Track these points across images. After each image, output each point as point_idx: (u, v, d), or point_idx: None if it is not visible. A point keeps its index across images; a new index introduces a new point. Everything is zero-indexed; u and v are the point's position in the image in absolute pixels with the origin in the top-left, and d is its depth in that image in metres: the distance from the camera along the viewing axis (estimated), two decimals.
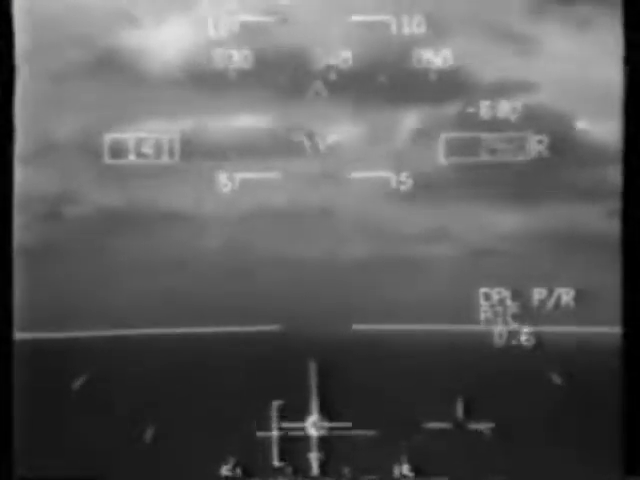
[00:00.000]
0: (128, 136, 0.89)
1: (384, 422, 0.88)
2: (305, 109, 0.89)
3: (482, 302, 0.89)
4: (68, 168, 0.89)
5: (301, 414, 0.89)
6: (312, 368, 0.89)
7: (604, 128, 0.88)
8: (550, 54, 0.88)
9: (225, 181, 0.89)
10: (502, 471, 0.88)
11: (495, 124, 0.89)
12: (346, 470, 0.89)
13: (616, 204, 0.88)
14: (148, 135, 0.89)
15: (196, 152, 0.89)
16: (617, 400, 0.87)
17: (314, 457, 0.89)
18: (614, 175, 0.88)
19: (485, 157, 0.89)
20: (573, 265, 0.88)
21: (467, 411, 0.89)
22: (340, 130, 0.89)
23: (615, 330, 0.87)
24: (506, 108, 0.88)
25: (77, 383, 0.88)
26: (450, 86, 0.89)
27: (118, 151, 0.89)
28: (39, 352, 0.87)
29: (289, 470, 0.89)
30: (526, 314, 0.89)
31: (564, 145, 0.89)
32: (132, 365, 0.88)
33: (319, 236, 0.89)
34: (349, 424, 0.89)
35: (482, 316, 0.89)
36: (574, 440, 0.88)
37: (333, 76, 0.89)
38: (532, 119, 0.89)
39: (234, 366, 0.88)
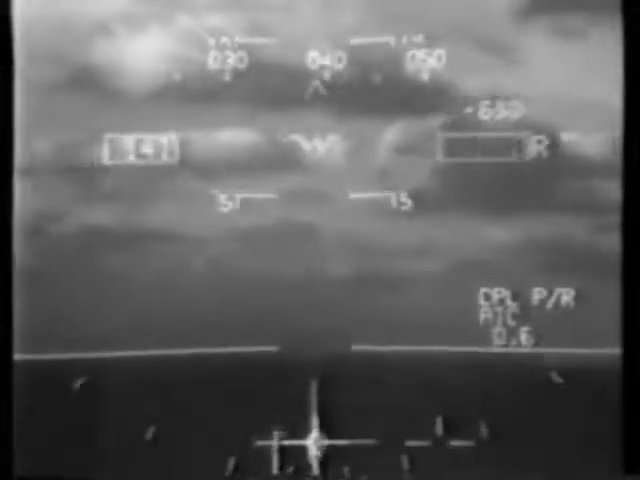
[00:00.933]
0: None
1: (383, 438, 0.89)
2: (294, 121, 0.89)
3: (482, 302, 0.89)
4: (49, 186, 0.88)
5: (301, 433, 0.89)
6: (312, 388, 0.89)
7: (593, 141, 0.88)
8: (537, 65, 0.88)
9: (219, 200, 0.89)
10: (502, 469, 0.88)
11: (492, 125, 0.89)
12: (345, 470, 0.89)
13: (607, 218, 0.88)
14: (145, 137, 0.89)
15: (180, 168, 0.89)
16: (617, 400, 0.87)
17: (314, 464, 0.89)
18: (604, 188, 0.88)
19: (480, 159, 0.89)
20: (568, 279, 0.88)
21: (466, 428, 0.89)
22: (328, 142, 0.89)
23: (615, 330, 0.87)
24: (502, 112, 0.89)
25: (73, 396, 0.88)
26: (436, 96, 0.89)
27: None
28: (35, 372, 0.88)
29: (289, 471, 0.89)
30: (526, 314, 0.89)
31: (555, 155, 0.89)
32: (130, 386, 0.88)
33: (312, 255, 0.89)
34: (349, 441, 0.89)
35: (482, 316, 0.89)
36: (574, 440, 0.88)
37: (324, 86, 0.88)
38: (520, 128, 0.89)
39: (233, 387, 0.88)
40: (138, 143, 0.89)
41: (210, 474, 0.89)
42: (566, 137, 0.88)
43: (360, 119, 0.88)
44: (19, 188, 0.88)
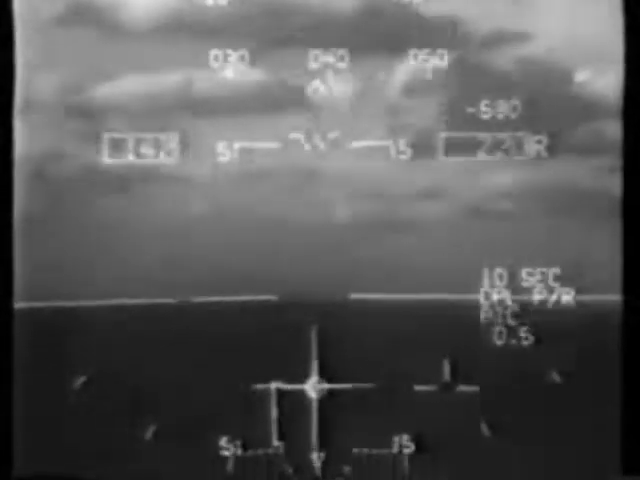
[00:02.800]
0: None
1: (382, 385, 0.89)
2: (299, 59, 0.87)
3: (482, 302, 0.89)
4: (50, 126, 0.87)
5: (300, 378, 0.89)
6: (311, 334, 0.88)
7: (603, 81, 0.88)
8: (546, 4, 0.87)
9: (218, 144, 0.88)
10: (502, 470, 0.88)
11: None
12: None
13: (616, 160, 0.87)
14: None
15: (183, 108, 0.88)
16: (616, 399, 0.87)
17: (314, 421, 0.89)
18: (614, 129, 0.88)
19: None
20: (573, 225, 0.88)
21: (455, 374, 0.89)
22: (334, 84, 0.88)
23: (615, 329, 0.87)
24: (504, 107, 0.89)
25: (74, 349, 0.88)
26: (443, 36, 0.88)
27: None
28: (36, 320, 0.87)
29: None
30: (526, 314, 0.89)
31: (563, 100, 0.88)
32: (126, 333, 0.88)
33: (312, 201, 0.88)
34: (348, 385, 0.89)
35: (482, 315, 0.89)
36: (573, 439, 0.88)
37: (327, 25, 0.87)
38: (528, 74, 0.88)
39: (231, 336, 0.88)
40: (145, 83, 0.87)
41: (206, 429, 0.88)
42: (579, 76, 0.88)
43: (368, 58, 0.87)
44: (19, 128, 0.87)
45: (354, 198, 0.89)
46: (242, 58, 0.87)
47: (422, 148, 0.88)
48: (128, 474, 0.88)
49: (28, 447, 0.87)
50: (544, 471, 0.88)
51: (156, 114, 0.88)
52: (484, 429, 0.89)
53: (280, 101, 0.88)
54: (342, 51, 0.87)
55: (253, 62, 0.87)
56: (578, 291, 0.88)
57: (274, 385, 0.88)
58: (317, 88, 0.88)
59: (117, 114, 0.88)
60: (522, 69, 0.88)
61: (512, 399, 0.89)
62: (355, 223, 0.88)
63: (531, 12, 0.88)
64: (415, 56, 0.87)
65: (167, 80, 0.87)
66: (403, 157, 0.88)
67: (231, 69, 0.87)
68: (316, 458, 0.89)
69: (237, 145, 0.88)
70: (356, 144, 0.88)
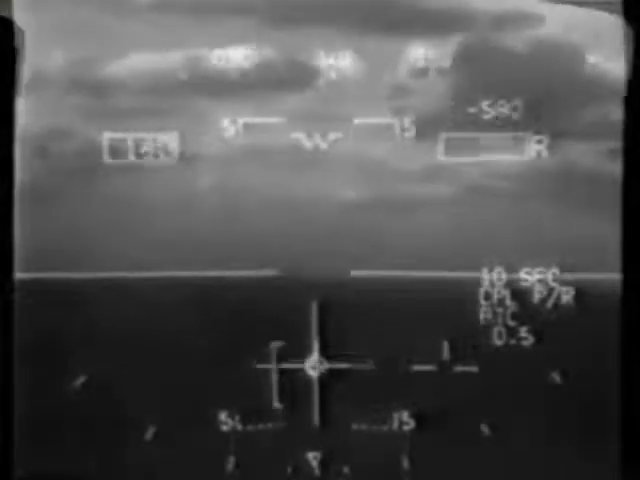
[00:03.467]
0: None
1: (382, 363, 0.89)
2: (307, 38, 0.87)
3: (482, 302, 0.89)
4: (57, 103, 0.87)
5: (301, 356, 0.89)
6: (312, 311, 0.88)
7: (612, 63, 0.87)
8: None
9: (223, 120, 0.88)
10: (502, 470, 0.88)
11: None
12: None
13: (618, 142, 0.87)
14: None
15: (191, 87, 0.87)
16: (616, 399, 0.87)
17: (315, 399, 0.89)
18: (617, 112, 0.87)
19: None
20: (571, 208, 0.88)
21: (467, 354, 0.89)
22: (340, 63, 0.88)
23: (615, 329, 0.87)
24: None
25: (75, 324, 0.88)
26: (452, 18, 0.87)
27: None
28: (40, 292, 0.87)
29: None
30: (526, 314, 0.89)
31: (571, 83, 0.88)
32: (128, 306, 0.88)
33: (315, 178, 0.88)
34: (348, 364, 0.89)
35: (482, 315, 0.89)
36: (573, 439, 0.88)
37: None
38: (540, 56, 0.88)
39: (232, 310, 0.88)
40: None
41: (207, 403, 0.89)
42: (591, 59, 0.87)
43: (378, 38, 0.87)
44: (23, 104, 0.87)
45: (357, 177, 0.88)
46: (248, 36, 0.86)
47: (426, 128, 0.88)
48: (128, 474, 0.88)
49: (28, 447, 0.87)
50: (545, 471, 0.88)
51: (161, 92, 0.88)
52: (484, 429, 0.89)
53: (285, 79, 0.88)
54: (348, 30, 0.86)
55: (259, 40, 0.87)
56: (574, 269, 0.88)
57: (274, 365, 0.89)
58: (323, 67, 0.88)
59: (123, 91, 0.87)
60: (531, 51, 0.88)
61: (512, 399, 0.89)
62: (358, 201, 0.88)
63: None
64: (424, 38, 0.87)
65: (172, 58, 0.87)
66: (408, 135, 0.88)
67: (236, 47, 0.87)
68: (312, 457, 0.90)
69: (241, 122, 0.88)
70: (359, 122, 0.88)
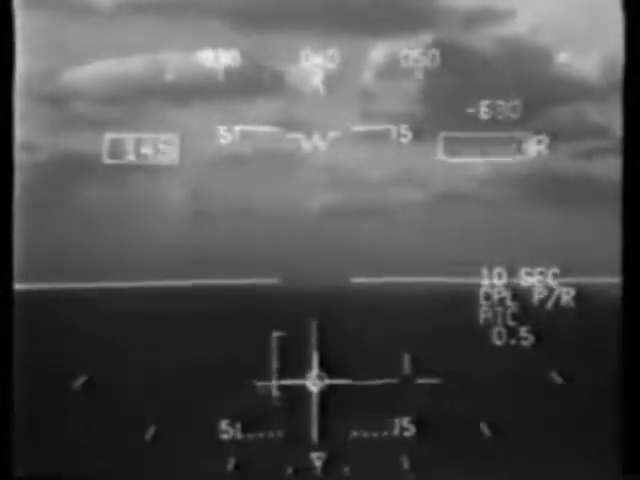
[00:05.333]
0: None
1: (383, 374, 0.88)
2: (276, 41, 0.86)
3: (482, 302, 0.89)
4: (26, 116, 0.86)
5: (301, 370, 0.89)
6: (312, 325, 0.88)
7: (585, 62, 0.88)
8: None
9: (218, 131, 0.87)
10: (502, 470, 0.88)
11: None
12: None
13: (594, 143, 0.87)
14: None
15: (154, 93, 0.86)
16: (616, 399, 0.87)
17: (314, 414, 0.89)
18: (594, 111, 0.88)
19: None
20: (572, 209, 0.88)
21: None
22: (308, 65, 0.87)
23: (615, 330, 0.87)
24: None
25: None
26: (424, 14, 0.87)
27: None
28: (35, 302, 0.86)
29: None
30: (526, 314, 0.89)
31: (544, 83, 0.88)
32: (125, 317, 0.87)
33: (306, 186, 0.88)
34: (349, 380, 0.89)
35: (482, 316, 0.89)
36: (573, 440, 0.88)
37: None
38: (507, 55, 0.88)
39: (231, 319, 0.88)
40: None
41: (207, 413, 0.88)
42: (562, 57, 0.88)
43: (347, 38, 0.86)
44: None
45: (353, 183, 0.88)
46: (216, 39, 0.85)
47: (424, 129, 0.88)
48: (128, 474, 0.88)
49: (28, 447, 0.87)
50: (545, 471, 0.88)
51: (124, 100, 0.87)
52: (484, 429, 0.89)
53: (258, 85, 0.87)
54: (320, 31, 0.86)
55: (227, 44, 0.86)
56: (574, 270, 0.88)
57: (275, 382, 0.89)
58: (294, 71, 0.87)
59: (85, 100, 0.86)
60: (504, 49, 0.88)
61: (512, 399, 0.89)
62: (355, 207, 0.88)
63: None
64: (393, 38, 0.87)
65: (135, 64, 0.86)
66: (404, 140, 0.88)
67: (204, 51, 0.86)
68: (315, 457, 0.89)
69: (230, 128, 0.87)
70: (358, 126, 0.88)
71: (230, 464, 0.89)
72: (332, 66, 0.88)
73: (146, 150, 0.87)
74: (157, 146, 0.87)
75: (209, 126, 0.87)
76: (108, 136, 0.87)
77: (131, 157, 0.87)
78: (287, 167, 0.88)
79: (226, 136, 0.87)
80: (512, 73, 0.88)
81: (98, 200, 0.87)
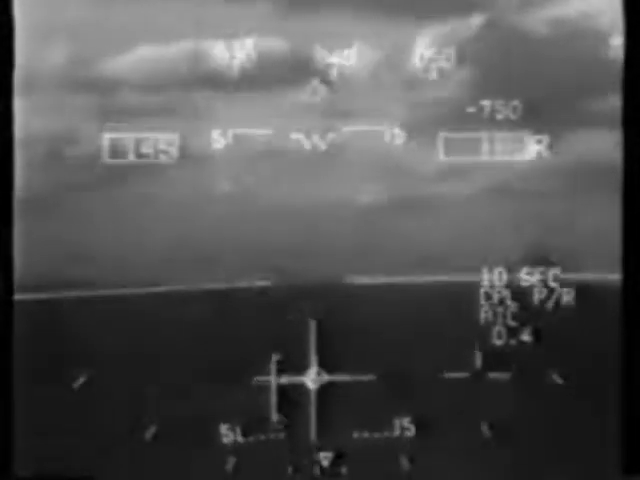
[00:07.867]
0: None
1: (382, 372, 0.88)
2: (316, 27, 0.84)
3: (482, 302, 0.89)
4: (62, 104, 0.84)
5: (300, 367, 0.89)
6: (310, 324, 0.88)
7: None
8: None
9: (211, 135, 0.86)
10: (502, 471, 0.88)
11: None
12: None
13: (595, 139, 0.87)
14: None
15: (195, 84, 0.86)
16: (616, 399, 0.87)
17: (313, 410, 0.89)
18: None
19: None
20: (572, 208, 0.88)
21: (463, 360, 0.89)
22: (350, 55, 0.86)
23: (615, 329, 0.87)
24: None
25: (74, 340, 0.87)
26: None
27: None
28: (36, 311, 0.86)
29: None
30: (526, 314, 0.89)
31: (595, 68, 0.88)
32: (125, 321, 0.87)
33: (308, 184, 0.87)
34: (347, 377, 0.89)
35: (482, 315, 0.89)
36: (573, 440, 0.88)
37: None
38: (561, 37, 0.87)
39: (228, 322, 0.88)
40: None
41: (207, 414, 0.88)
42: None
43: (388, 26, 0.85)
44: (20, 107, 0.84)
45: (354, 180, 0.88)
46: (256, 28, 0.85)
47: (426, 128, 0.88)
48: (128, 474, 0.88)
49: (28, 447, 0.87)
50: (545, 471, 0.88)
51: (164, 88, 0.86)
52: (484, 429, 0.89)
53: (304, 72, 0.86)
54: (359, 20, 0.85)
55: (273, 30, 0.85)
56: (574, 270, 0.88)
57: (274, 379, 0.89)
58: (331, 60, 0.87)
59: (123, 88, 0.85)
60: (554, 32, 0.88)
61: (512, 399, 0.89)
62: (355, 205, 0.88)
63: None
64: (442, 23, 0.87)
65: (175, 52, 0.84)
66: (403, 137, 0.88)
67: (242, 40, 0.85)
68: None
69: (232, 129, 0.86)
70: (356, 124, 0.87)
71: (230, 464, 0.89)
72: (379, 54, 0.87)
73: (146, 150, 0.87)
74: (157, 146, 0.87)
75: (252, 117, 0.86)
76: (108, 135, 0.87)
77: (131, 157, 0.87)
78: (316, 162, 0.88)
79: (223, 141, 0.87)
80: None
81: (98, 200, 0.87)
